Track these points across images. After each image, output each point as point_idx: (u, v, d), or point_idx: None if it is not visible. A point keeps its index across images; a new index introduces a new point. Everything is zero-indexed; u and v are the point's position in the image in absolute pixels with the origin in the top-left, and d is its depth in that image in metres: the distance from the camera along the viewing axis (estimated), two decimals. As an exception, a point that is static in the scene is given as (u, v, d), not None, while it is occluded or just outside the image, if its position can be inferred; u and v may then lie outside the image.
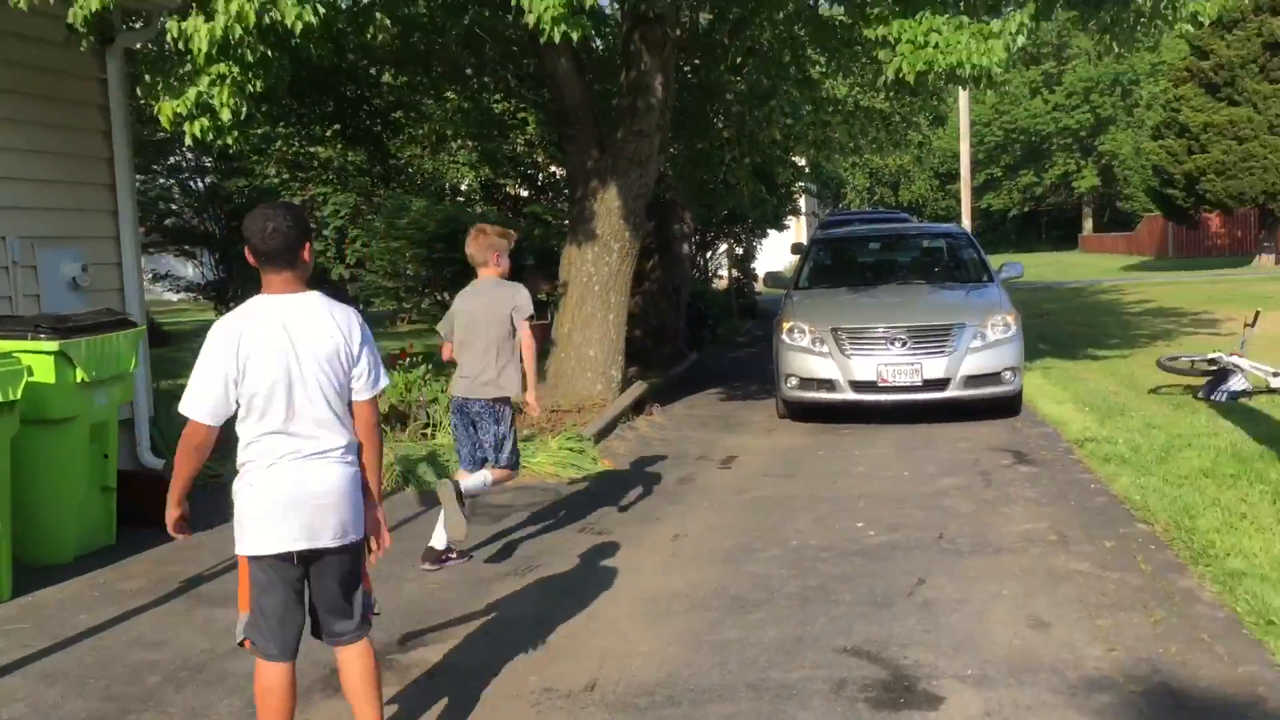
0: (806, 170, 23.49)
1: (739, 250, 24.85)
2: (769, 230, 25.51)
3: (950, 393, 9.27)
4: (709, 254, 26.52)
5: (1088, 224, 73.28)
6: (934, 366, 9.21)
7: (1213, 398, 9.66)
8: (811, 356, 9.52)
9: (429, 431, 8.79)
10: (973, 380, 9.26)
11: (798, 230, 34.18)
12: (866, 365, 9.31)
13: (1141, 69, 67.35)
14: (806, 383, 9.57)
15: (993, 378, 9.31)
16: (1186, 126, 33.11)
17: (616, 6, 11.19)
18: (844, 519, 6.57)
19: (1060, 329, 17.33)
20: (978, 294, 10.16)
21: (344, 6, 8.47)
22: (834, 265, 11.42)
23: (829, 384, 9.44)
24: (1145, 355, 13.28)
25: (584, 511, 7.05)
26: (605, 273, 9.86)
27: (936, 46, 7.75)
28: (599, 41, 11.41)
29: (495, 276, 5.80)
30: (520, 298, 5.70)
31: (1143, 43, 9.65)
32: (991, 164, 73.56)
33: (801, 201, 52.84)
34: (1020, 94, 71.06)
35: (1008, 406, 9.68)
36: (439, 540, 5.79)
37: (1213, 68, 32.99)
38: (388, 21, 9.75)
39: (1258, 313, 10.37)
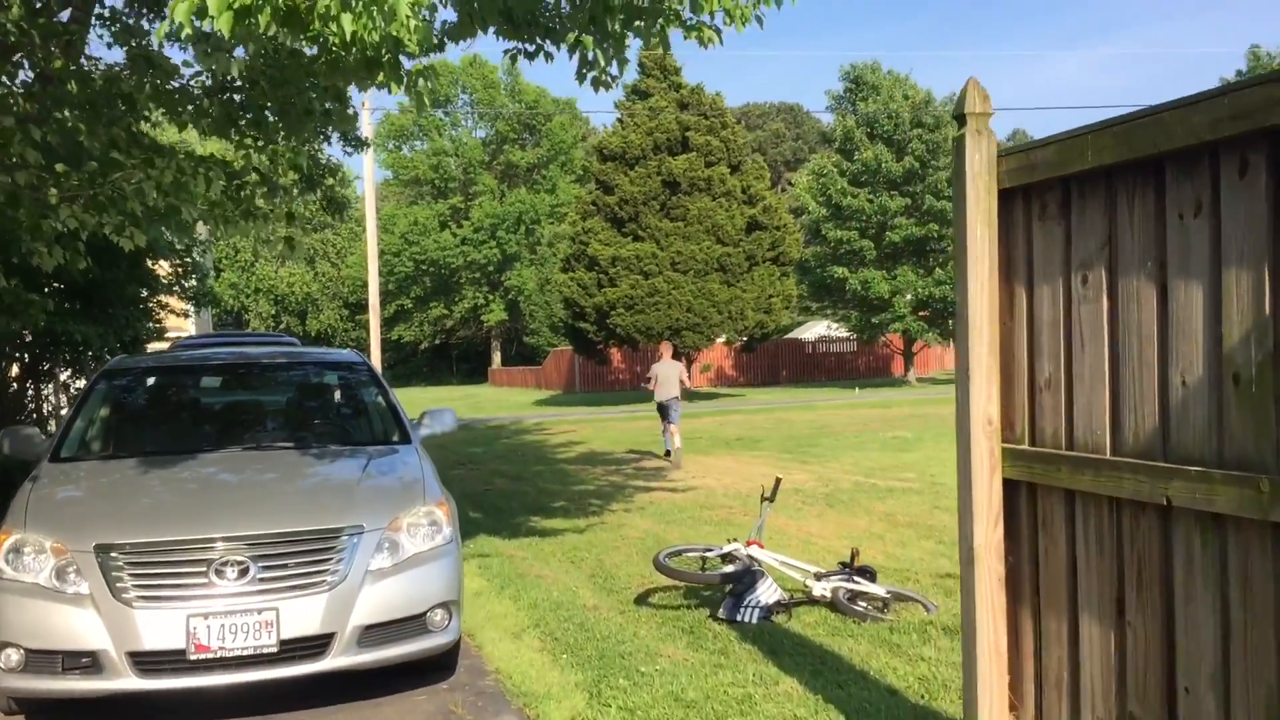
0: (169, 281, 18.27)
1: (77, 384, 18.73)
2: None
3: (334, 660, 4.92)
4: (43, 387, 20.13)
5: (496, 357, 73.85)
6: (303, 614, 4.83)
7: (738, 618, 6.33)
8: (55, 605, 4.72)
9: None
10: (377, 633, 5.00)
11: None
12: (167, 621, 4.69)
13: (542, 210, 70.03)
14: (43, 659, 4.72)
15: (414, 623, 5.12)
16: (595, 259, 32.55)
17: None
18: None
19: (490, 485, 13.84)
20: (384, 466, 5.96)
21: None
22: (134, 417, 6.61)
23: (90, 660, 4.69)
24: (603, 528, 10.03)
25: None
26: None
27: (284, -31, 3.65)
28: None
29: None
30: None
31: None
32: (402, 295, 71.89)
33: (190, 325, 46.55)
34: (430, 225, 70.54)
35: (438, 663, 5.58)
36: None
37: (617, 202, 32.90)
38: None
39: (778, 480, 7.31)
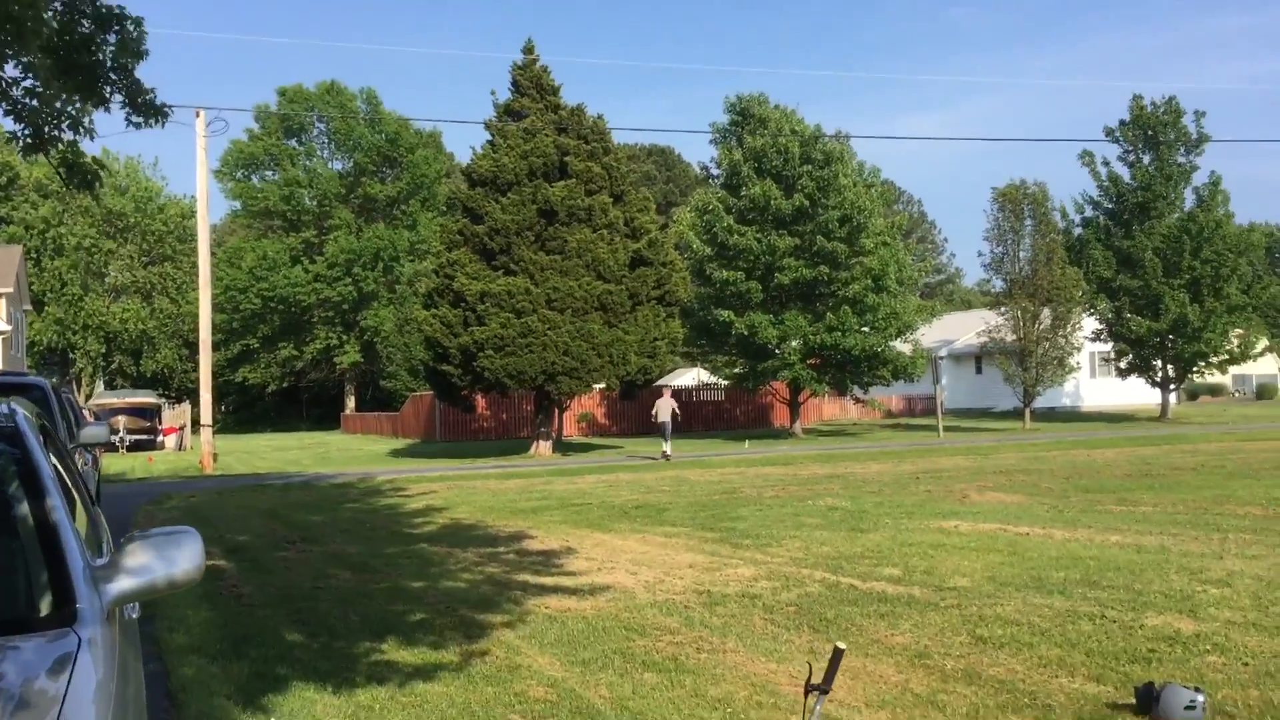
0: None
1: None
2: None
3: None
4: None
5: (350, 402, 69.01)
6: None
7: None
8: None
9: None
10: None
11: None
12: None
13: (401, 246, 65.88)
14: None
15: None
16: (462, 295, 28.96)
17: None
18: None
19: (325, 579, 10.18)
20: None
21: None
22: None
23: None
24: (487, 672, 6.57)
25: None
26: None
27: None
28: None
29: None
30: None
31: None
32: (248, 334, 66.58)
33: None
34: (280, 260, 65.60)
35: None
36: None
37: (487, 232, 29.45)
38: None
39: (837, 652, 3.93)
